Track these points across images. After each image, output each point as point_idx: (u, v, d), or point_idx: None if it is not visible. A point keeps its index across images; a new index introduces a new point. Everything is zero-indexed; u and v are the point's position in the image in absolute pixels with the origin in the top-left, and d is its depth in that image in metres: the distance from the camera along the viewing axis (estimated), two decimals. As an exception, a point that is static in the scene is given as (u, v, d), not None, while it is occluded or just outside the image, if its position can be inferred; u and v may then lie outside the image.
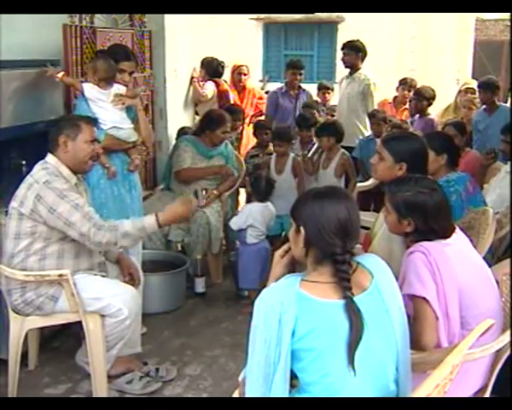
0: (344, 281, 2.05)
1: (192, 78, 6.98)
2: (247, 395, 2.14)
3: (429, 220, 2.65)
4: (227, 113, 5.72)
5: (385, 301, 2.11)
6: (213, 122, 5.36)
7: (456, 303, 2.54)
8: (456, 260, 2.58)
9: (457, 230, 2.76)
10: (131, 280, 3.75)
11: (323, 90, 8.19)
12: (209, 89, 6.86)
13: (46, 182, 3.27)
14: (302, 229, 2.17)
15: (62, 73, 4.20)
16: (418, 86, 7.13)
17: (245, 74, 7.53)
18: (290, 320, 1.99)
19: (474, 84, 7.68)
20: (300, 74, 7.03)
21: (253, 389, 2.09)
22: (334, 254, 2.08)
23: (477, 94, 7.24)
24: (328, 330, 2.01)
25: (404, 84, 7.64)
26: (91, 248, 3.37)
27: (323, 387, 2.02)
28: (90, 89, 4.02)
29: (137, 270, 3.88)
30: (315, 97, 7.76)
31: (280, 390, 2.02)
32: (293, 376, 2.10)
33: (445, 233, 2.66)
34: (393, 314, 2.12)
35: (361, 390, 2.02)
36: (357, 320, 2.00)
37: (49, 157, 3.42)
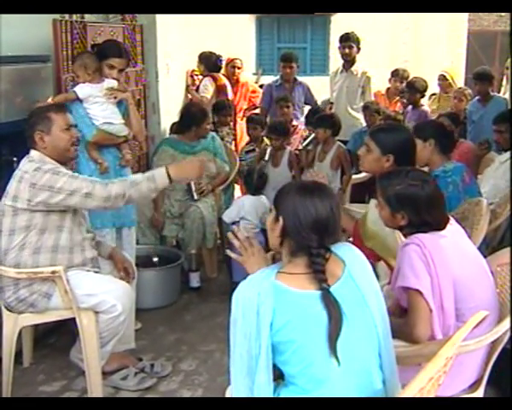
0: (318, 273, 2.05)
1: (188, 86, 6.96)
2: (232, 388, 2.15)
3: (422, 212, 2.63)
4: (217, 108, 5.71)
5: (360, 287, 2.12)
6: (198, 117, 5.34)
7: (451, 295, 2.53)
8: (451, 252, 2.57)
9: (452, 221, 2.75)
10: (126, 275, 3.74)
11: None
12: (208, 88, 6.81)
13: (37, 168, 3.26)
14: (281, 219, 2.16)
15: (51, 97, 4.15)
16: (410, 78, 7.12)
17: (239, 68, 7.51)
18: (268, 312, 1.99)
19: (450, 71, 7.75)
20: (291, 67, 6.95)
21: (238, 381, 2.11)
22: (310, 247, 2.08)
23: (450, 81, 7.34)
24: (305, 321, 2.01)
25: (396, 75, 7.63)
26: (97, 206, 3.32)
27: (308, 378, 2.02)
28: (82, 89, 3.98)
29: (131, 264, 3.86)
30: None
31: (263, 382, 2.03)
32: (279, 371, 2.10)
33: (440, 225, 2.64)
34: (370, 299, 2.12)
35: (345, 378, 2.03)
36: (336, 311, 2.00)
37: (33, 153, 3.40)
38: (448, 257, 2.54)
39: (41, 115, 3.41)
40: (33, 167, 3.26)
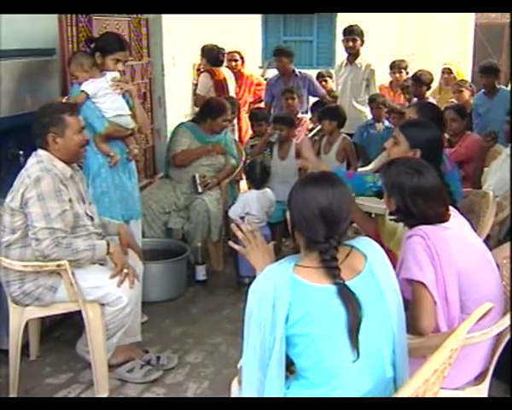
0: (331, 269, 2.04)
1: (196, 84, 6.98)
2: (243, 381, 2.14)
3: (406, 201, 2.63)
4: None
5: (379, 284, 2.11)
6: (214, 110, 5.35)
7: (455, 287, 2.53)
8: (455, 244, 2.57)
9: (456, 213, 2.75)
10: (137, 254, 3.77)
11: (320, 78, 8.16)
12: (206, 86, 6.76)
13: (36, 179, 3.24)
14: (288, 213, 2.19)
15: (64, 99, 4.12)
16: (416, 71, 7.06)
17: (236, 60, 7.47)
18: (284, 305, 1.99)
19: (453, 64, 7.73)
20: (280, 61, 6.92)
21: (250, 374, 2.10)
22: (317, 242, 2.07)
23: (455, 74, 7.31)
24: (322, 315, 2.00)
25: (394, 67, 7.61)
26: (31, 253, 3.31)
27: (319, 372, 2.02)
28: (89, 86, 3.97)
29: (137, 243, 3.89)
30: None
31: (275, 376, 2.03)
32: (290, 362, 2.09)
33: (428, 218, 2.62)
34: (388, 296, 2.11)
35: (358, 375, 2.02)
36: (353, 305, 1.99)
37: (41, 151, 3.38)
38: (452, 249, 2.53)
39: (55, 116, 3.36)
40: (34, 175, 3.25)
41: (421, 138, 3.21)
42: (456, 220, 2.70)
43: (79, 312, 3.42)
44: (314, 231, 2.08)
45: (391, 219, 2.81)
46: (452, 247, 2.54)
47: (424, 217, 2.62)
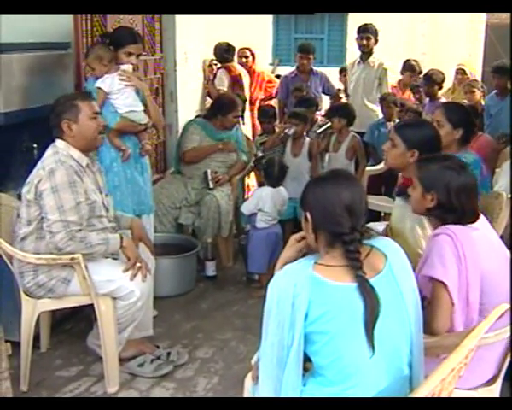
0: (354, 261, 2.04)
1: (208, 80, 6.96)
2: (260, 378, 2.15)
3: (452, 197, 2.61)
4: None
5: (398, 283, 2.11)
6: (225, 107, 5.36)
7: (477, 289, 2.50)
8: (482, 246, 2.55)
9: (481, 214, 2.73)
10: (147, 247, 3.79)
11: (345, 72, 8.13)
12: (224, 81, 6.79)
13: (50, 171, 3.26)
14: (308, 215, 2.18)
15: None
16: (428, 70, 7.05)
17: (246, 57, 7.48)
18: (303, 303, 1.99)
19: (467, 64, 7.69)
20: (308, 59, 6.95)
21: (267, 371, 2.11)
22: (343, 234, 2.07)
23: (469, 75, 7.26)
24: (341, 313, 2.01)
25: (410, 69, 7.55)
26: (45, 245, 3.32)
27: (337, 370, 2.03)
28: (105, 82, 3.99)
29: (148, 236, 3.91)
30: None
31: (293, 373, 2.04)
32: (307, 359, 2.10)
33: (465, 215, 2.61)
34: (407, 296, 2.12)
35: (375, 374, 2.03)
36: (372, 299, 2.00)
37: (58, 142, 3.40)
38: (479, 250, 2.52)
39: (67, 104, 3.40)
40: (49, 167, 3.26)
41: (416, 138, 3.19)
42: (482, 221, 2.69)
43: (90, 305, 3.43)
44: (340, 223, 2.08)
45: (434, 224, 2.76)
46: (479, 248, 2.53)
47: (464, 213, 2.61)
